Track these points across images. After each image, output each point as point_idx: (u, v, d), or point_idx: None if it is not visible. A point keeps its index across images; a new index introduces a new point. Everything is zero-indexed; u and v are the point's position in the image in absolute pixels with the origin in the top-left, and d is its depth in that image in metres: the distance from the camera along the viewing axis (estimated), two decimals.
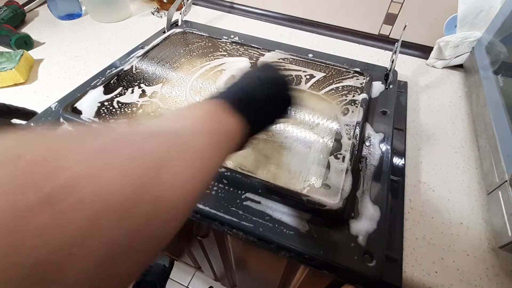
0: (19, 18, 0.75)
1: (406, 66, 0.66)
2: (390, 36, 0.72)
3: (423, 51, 0.69)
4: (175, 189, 0.15)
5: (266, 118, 0.30)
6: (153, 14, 0.82)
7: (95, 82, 0.54)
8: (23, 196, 0.09)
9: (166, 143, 0.16)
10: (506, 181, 0.35)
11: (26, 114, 0.48)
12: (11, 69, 0.56)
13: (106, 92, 0.53)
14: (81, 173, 0.11)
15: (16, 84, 0.58)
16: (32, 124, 0.47)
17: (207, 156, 0.20)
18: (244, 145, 0.28)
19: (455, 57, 0.63)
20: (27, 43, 0.68)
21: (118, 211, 0.11)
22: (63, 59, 0.65)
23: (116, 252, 0.11)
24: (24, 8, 0.79)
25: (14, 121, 0.48)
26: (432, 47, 0.65)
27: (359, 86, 0.56)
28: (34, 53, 0.66)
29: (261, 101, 0.28)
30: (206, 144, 0.20)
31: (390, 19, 0.69)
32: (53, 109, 0.50)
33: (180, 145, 0.17)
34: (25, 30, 0.75)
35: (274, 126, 0.33)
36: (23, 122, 0.48)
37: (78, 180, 0.11)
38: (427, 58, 0.67)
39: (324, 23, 0.76)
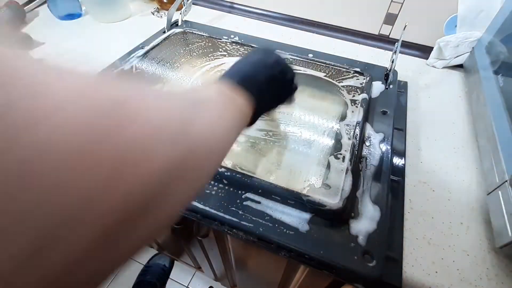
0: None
1: (406, 66, 0.66)
2: (390, 36, 0.72)
3: (423, 51, 0.69)
4: (209, 131, 0.18)
5: (270, 98, 0.31)
6: (153, 14, 0.82)
7: None
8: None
9: (196, 99, 0.19)
10: (506, 181, 0.35)
11: None
12: None
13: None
14: (152, 113, 0.14)
15: None
16: None
17: (229, 117, 0.22)
18: (252, 122, 0.29)
19: (455, 57, 0.63)
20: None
21: (170, 135, 0.14)
22: (63, 59, 0.65)
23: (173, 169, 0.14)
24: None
25: None
26: (432, 47, 0.65)
27: (359, 86, 0.56)
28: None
29: (265, 81, 0.29)
30: (224, 109, 0.22)
31: (390, 19, 0.69)
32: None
33: (205, 103, 0.20)
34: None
35: (279, 108, 0.34)
36: None
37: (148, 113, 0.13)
38: (427, 58, 0.67)
39: (324, 23, 0.76)
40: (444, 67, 0.66)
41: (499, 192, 0.36)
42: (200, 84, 0.25)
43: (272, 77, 0.30)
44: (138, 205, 0.12)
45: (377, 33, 0.73)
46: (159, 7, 0.85)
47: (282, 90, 0.33)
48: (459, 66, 0.65)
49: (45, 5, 0.83)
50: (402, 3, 0.66)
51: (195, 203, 0.38)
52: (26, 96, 0.10)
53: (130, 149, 0.12)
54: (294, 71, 0.34)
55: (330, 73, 0.60)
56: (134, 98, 0.14)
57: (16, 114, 0.09)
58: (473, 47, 0.60)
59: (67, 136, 0.10)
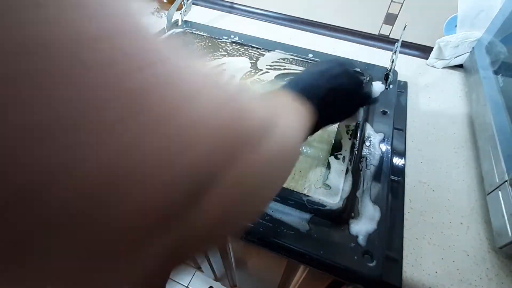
0: None
1: (406, 66, 0.66)
2: (390, 36, 0.72)
3: (423, 51, 0.69)
4: (291, 130, 0.19)
5: (334, 110, 0.31)
6: (153, 14, 0.82)
7: None
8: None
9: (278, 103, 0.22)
10: (506, 181, 0.35)
11: None
12: None
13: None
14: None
15: None
16: None
17: (297, 125, 0.23)
18: (313, 132, 0.29)
19: (455, 57, 0.63)
20: None
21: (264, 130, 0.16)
22: None
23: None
24: None
25: None
26: (432, 47, 0.65)
27: None
28: None
29: (328, 92, 0.28)
30: (297, 116, 0.23)
31: (390, 19, 0.69)
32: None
33: (282, 108, 0.22)
34: None
35: (345, 119, 0.34)
36: None
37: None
38: (427, 58, 0.67)
39: (324, 23, 0.76)
40: (444, 67, 0.66)
41: (499, 192, 0.36)
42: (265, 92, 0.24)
43: (337, 88, 0.29)
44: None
45: (377, 33, 0.73)
46: (159, 7, 0.85)
47: (348, 102, 0.32)
48: (459, 66, 0.65)
49: None
50: (402, 3, 0.66)
51: None
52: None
53: (243, 134, 0.14)
54: (364, 83, 0.33)
55: None
56: (243, 97, 0.16)
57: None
58: (473, 47, 0.60)
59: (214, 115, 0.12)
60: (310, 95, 0.26)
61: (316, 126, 0.28)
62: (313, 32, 0.77)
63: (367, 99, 0.34)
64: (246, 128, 0.14)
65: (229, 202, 0.14)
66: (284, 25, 0.79)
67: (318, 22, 0.77)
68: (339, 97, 0.30)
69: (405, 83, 0.60)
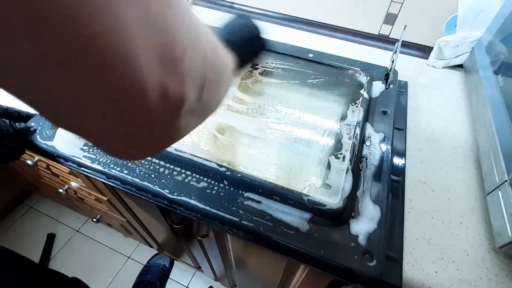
0: None
1: (406, 66, 0.66)
2: (390, 36, 0.72)
3: (423, 51, 0.69)
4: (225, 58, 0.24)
5: (247, 54, 0.36)
6: None
7: None
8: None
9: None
10: (506, 181, 0.35)
11: (25, 117, 0.48)
12: None
13: None
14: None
15: None
16: (33, 124, 0.47)
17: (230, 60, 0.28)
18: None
19: (455, 57, 0.63)
20: None
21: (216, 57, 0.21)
22: None
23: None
24: None
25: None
26: (432, 47, 0.65)
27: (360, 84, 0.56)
28: None
29: (242, 41, 0.35)
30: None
31: (390, 19, 0.69)
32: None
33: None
34: None
35: (251, 62, 0.39)
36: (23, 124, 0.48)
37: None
38: (427, 58, 0.67)
39: (324, 23, 0.76)
40: (444, 67, 0.66)
41: (499, 192, 0.36)
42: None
43: (247, 37, 0.36)
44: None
45: (377, 33, 0.73)
46: None
47: (256, 48, 0.39)
48: (459, 66, 0.65)
49: None
50: (402, 3, 0.66)
51: (196, 203, 0.38)
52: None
53: (215, 55, 0.21)
54: (260, 28, 0.40)
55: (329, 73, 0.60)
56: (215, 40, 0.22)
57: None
58: (473, 47, 0.60)
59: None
60: (230, 46, 0.31)
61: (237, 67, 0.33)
62: (313, 32, 0.77)
63: (265, 43, 0.41)
64: (217, 44, 0.21)
65: (214, 78, 0.20)
66: (284, 25, 0.79)
67: (318, 22, 0.77)
68: (248, 44, 0.36)
69: (405, 83, 0.60)
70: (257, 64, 0.64)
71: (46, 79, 0.12)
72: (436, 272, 0.35)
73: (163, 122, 0.17)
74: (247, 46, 0.36)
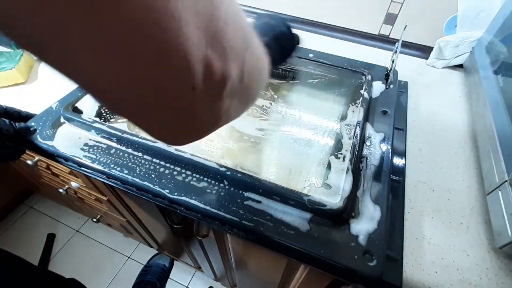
0: None
1: (406, 66, 0.66)
2: (390, 36, 0.72)
3: (423, 51, 0.69)
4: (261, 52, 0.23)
5: (279, 54, 0.36)
6: None
7: None
8: None
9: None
10: (506, 181, 0.35)
11: (25, 117, 0.48)
12: (11, 69, 0.56)
13: None
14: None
15: (16, 84, 0.58)
16: (33, 124, 0.47)
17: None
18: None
19: (455, 57, 0.63)
20: None
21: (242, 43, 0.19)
22: None
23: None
24: None
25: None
26: (432, 47, 0.65)
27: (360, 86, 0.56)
28: None
29: (274, 41, 0.34)
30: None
31: (390, 19, 0.69)
32: (54, 108, 0.50)
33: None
34: None
35: (284, 62, 0.39)
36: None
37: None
38: (427, 58, 0.67)
39: (324, 23, 0.76)
40: (444, 67, 0.66)
41: (499, 192, 0.36)
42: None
43: (276, 36, 0.35)
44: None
45: (377, 33, 0.73)
46: None
47: (286, 47, 0.38)
48: (459, 66, 0.65)
49: None
50: (402, 3, 0.66)
51: (196, 203, 0.38)
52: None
53: (253, 38, 0.20)
54: (293, 30, 0.38)
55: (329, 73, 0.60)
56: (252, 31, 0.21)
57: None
58: (473, 47, 0.60)
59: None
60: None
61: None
62: (313, 32, 0.77)
63: (296, 44, 0.40)
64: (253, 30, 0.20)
65: (254, 63, 0.20)
66: None
67: (318, 22, 0.77)
68: (279, 42, 0.36)
69: (406, 83, 0.60)
70: None
71: (87, 56, 0.12)
72: (436, 272, 0.35)
73: (207, 102, 0.16)
74: (280, 46, 0.36)
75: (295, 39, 0.39)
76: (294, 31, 0.38)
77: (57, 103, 0.51)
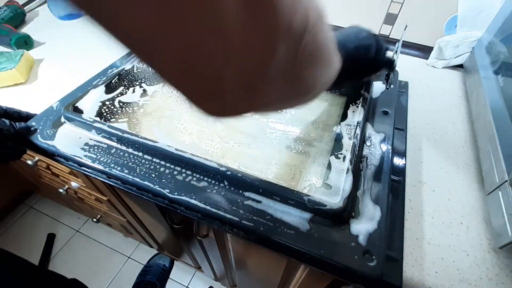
0: (19, 18, 0.76)
1: (406, 66, 0.66)
2: (390, 36, 0.72)
3: (423, 51, 0.69)
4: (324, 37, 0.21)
5: (355, 66, 0.34)
6: None
7: (96, 81, 0.54)
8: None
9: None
10: (506, 181, 0.35)
11: (25, 117, 0.48)
12: (11, 69, 0.56)
13: (107, 91, 0.53)
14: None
15: (16, 84, 0.58)
16: (33, 124, 0.47)
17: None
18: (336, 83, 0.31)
19: (455, 57, 0.63)
20: (27, 43, 0.68)
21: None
22: (63, 59, 0.65)
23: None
24: (24, 8, 0.79)
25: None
26: (432, 47, 0.65)
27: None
28: (34, 53, 0.66)
29: (353, 49, 0.32)
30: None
31: (390, 19, 0.69)
32: (55, 108, 0.50)
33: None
34: (25, 30, 0.75)
35: (359, 78, 0.36)
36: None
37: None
38: (427, 58, 0.67)
39: None
40: (444, 67, 0.66)
41: (499, 192, 0.36)
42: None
43: (361, 46, 0.33)
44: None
45: (377, 33, 0.73)
46: None
47: (368, 62, 0.35)
48: (459, 66, 0.65)
49: (45, 5, 0.83)
50: (402, 3, 0.66)
51: (196, 202, 0.38)
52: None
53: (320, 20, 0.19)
54: (385, 47, 0.35)
55: None
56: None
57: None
58: (473, 47, 0.60)
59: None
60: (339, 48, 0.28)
61: (338, 77, 0.29)
62: None
63: (386, 62, 0.37)
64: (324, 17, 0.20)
65: (312, 47, 0.18)
66: None
67: None
68: (361, 56, 0.33)
69: (406, 83, 0.60)
70: None
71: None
72: (436, 272, 0.35)
73: (252, 64, 0.15)
74: (358, 60, 0.33)
75: (382, 59, 0.35)
76: (389, 54, 0.35)
77: (58, 102, 0.51)
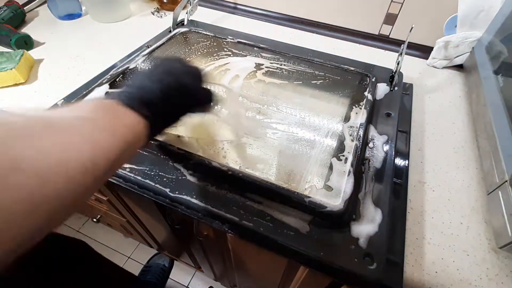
0: (19, 18, 0.75)
1: (406, 66, 0.66)
2: (390, 36, 0.72)
3: (423, 51, 0.69)
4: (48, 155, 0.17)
5: (170, 112, 0.28)
6: (153, 14, 0.82)
7: (101, 80, 0.53)
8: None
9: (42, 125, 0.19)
10: (506, 181, 0.35)
11: None
12: (11, 69, 0.56)
13: (111, 89, 0.53)
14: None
15: (16, 84, 0.58)
16: None
17: (90, 138, 0.20)
18: (149, 140, 0.27)
19: (455, 57, 0.63)
20: (27, 43, 0.67)
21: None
22: (63, 59, 0.65)
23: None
24: (24, 8, 0.78)
25: None
26: (432, 47, 0.65)
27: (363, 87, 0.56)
28: (34, 53, 0.66)
29: (158, 95, 0.26)
30: (89, 128, 0.20)
31: (390, 19, 0.69)
32: (59, 106, 0.50)
33: (53, 127, 0.19)
34: (25, 30, 0.75)
35: (184, 118, 0.31)
36: None
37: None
38: (427, 58, 0.67)
39: (324, 23, 0.76)
40: (444, 67, 0.66)
41: (499, 192, 0.36)
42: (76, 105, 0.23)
43: (169, 85, 0.27)
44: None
45: (377, 33, 0.73)
46: (159, 7, 0.85)
47: (188, 98, 0.30)
48: (459, 66, 0.65)
49: (45, 5, 0.83)
50: (402, 3, 0.66)
51: (197, 202, 0.38)
52: None
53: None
54: (202, 73, 0.30)
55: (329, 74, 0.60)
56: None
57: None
58: (473, 47, 0.60)
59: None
60: (135, 101, 0.24)
61: (153, 130, 0.26)
62: (313, 32, 0.77)
63: (205, 95, 0.31)
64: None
65: None
66: (285, 25, 0.79)
67: (318, 22, 0.77)
68: (175, 94, 0.28)
69: (411, 86, 0.60)
70: (262, 64, 0.64)
71: None
72: (436, 272, 0.35)
73: None
74: (173, 101, 0.28)
75: (196, 97, 0.30)
76: (206, 86, 0.30)
77: (62, 100, 0.51)
